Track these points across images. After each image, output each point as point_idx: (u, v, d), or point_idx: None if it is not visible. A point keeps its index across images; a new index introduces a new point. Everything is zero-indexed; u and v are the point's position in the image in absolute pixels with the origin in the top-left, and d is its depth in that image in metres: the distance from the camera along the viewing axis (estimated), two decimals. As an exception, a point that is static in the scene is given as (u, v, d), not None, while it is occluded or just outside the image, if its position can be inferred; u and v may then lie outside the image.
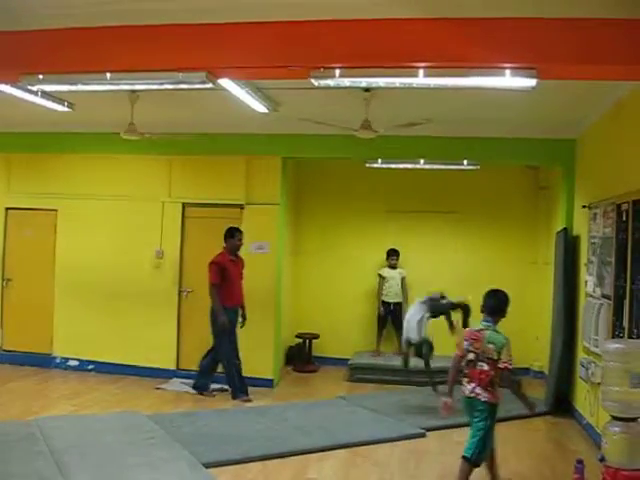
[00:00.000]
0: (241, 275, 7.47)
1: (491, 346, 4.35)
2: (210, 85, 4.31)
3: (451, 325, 7.02)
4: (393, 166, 8.18)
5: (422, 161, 7.82)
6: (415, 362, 7.09)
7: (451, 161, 7.97)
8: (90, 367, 8.29)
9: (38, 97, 5.74)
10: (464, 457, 4.41)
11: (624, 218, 5.28)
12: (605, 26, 3.72)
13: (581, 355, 6.52)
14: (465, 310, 6.86)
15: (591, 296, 6.26)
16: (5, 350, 8.60)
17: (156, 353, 8.12)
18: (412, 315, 6.94)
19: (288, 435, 5.97)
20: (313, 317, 9.41)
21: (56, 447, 5.24)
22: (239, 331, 7.33)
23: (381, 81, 4.27)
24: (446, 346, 6.96)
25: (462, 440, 5.99)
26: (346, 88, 4.68)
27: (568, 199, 7.45)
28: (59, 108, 6.26)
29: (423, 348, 6.89)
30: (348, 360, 8.74)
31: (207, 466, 5.01)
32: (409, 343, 6.94)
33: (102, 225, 8.36)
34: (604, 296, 5.80)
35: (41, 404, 6.82)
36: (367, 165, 8.16)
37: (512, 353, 4.41)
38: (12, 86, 5.25)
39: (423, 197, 9.29)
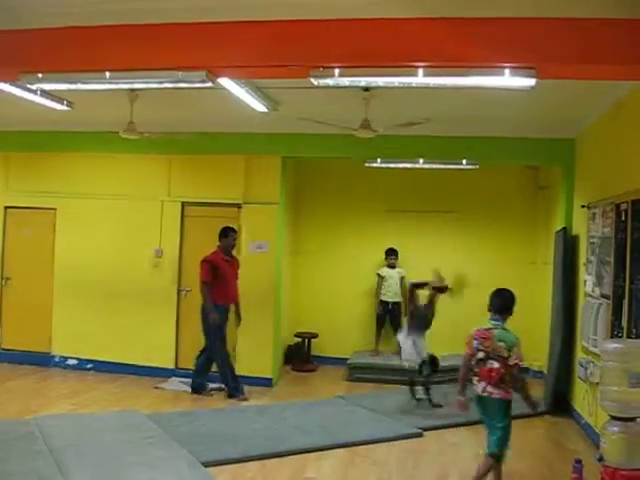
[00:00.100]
0: (236, 275, 7.46)
1: (502, 344, 4.39)
2: (210, 84, 4.31)
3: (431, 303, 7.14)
4: (392, 166, 8.17)
5: (421, 161, 7.82)
6: (415, 363, 7.08)
7: (450, 161, 7.97)
8: (89, 366, 8.28)
9: (37, 96, 5.73)
10: (491, 455, 4.48)
11: (623, 218, 5.28)
12: (605, 26, 3.72)
13: (580, 355, 6.52)
14: (443, 290, 7.04)
15: (590, 296, 6.27)
16: (4, 349, 8.60)
17: (155, 352, 8.12)
18: (403, 342, 7.01)
19: (287, 434, 5.97)
20: (312, 316, 9.41)
21: (55, 446, 5.24)
22: (236, 330, 7.31)
23: (380, 80, 4.28)
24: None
25: (458, 440, 6.08)
26: (345, 87, 4.69)
27: (567, 199, 7.44)
28: (58, 107, 6.27)
29: (424, 369, 6.95)
30: (347, 359, 8.74)
31: (206, 465, 5.02)
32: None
33: (101, 224, 8.35)
34: (603, 296, 5.81)
35: (40, 403, 6.82)
36: (366, 165, 8.16)
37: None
38: (11, 85, 5.24)
39: (422, 197, 9.29)
